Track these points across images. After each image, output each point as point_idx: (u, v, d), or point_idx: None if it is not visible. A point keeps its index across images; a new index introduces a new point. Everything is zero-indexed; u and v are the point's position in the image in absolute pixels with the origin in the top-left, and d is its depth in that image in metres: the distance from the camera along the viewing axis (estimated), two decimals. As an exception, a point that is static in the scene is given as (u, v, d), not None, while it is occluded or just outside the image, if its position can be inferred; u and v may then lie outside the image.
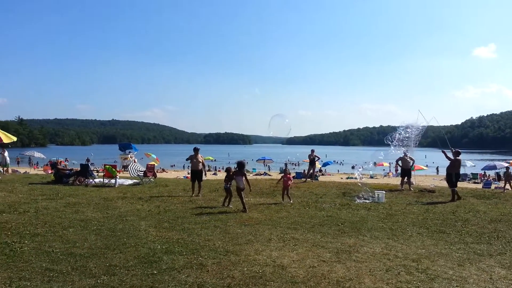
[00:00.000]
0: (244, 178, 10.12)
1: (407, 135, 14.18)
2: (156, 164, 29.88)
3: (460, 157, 13.54)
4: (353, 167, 57.37)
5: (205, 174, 13.86)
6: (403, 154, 16.34)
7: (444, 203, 12.14)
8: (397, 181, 23.09)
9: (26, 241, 6.25)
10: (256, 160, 52.79)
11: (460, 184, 26.15)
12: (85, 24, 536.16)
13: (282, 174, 12.34)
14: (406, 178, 15.94)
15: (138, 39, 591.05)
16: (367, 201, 12.44)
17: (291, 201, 11.65)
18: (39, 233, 6.87)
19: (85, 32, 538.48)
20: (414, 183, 19.34)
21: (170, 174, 35.94)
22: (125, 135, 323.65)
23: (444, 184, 23.95)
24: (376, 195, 12.67)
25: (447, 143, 14.72)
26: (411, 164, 16.71)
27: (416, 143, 14.55)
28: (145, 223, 8.00)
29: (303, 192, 14.23)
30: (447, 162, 13.52)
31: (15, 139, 20.52)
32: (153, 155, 42.40)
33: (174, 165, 55.27)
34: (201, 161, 13.22)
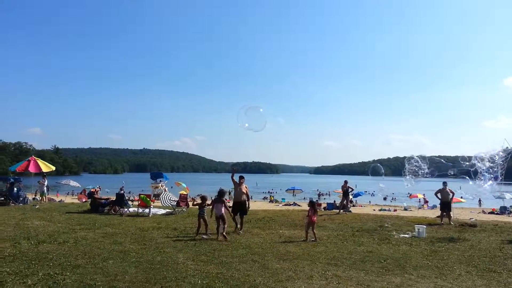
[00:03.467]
0: (223, 206, 10.28)
1: (492, 164, 12.02)
2: (187, 193, 30.06)
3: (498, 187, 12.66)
4: (385, 198, 55.89)
5: (248, 207, 11.99)
6: (443, 186, 15.81)
7: (488, 238, 11.52)
8: (433, 213, 22.29)
9: (68, 273, 6.29)
10: (285, 190, 52.23)
11: (499, 218, 25.04)
12: (117, 60, 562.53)
13: (309, 208, 10.82)
14: (445, 211, 15.32)
15: (168, 74, 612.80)
16: (407, 236, 11.96)
17: (316, 240, 10.44)
18: (80, 264, 6.92)
19: (117, 67, 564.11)
20: (452, 216, 18.56)
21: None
22: (155, 163, 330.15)
23: (484, 217, 22.85)
24: (416, 230, 12.17)
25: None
26: (450, 197, 16.08)
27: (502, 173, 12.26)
28: (182, 255, 7.95)
29: (338, 224, 13.88)
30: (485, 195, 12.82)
31: (53, 168, 21.27)
32: (183, 184, 42.68)
33: (200, 195, 55.41)
34: (245, 191, 11.74)
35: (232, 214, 11.65)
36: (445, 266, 7.76)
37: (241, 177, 11.98)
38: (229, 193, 30.63)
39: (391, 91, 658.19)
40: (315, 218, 10.71)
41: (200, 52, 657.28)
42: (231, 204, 12.45)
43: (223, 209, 10.26)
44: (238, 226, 11.58)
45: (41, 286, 5.61)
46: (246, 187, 11.90)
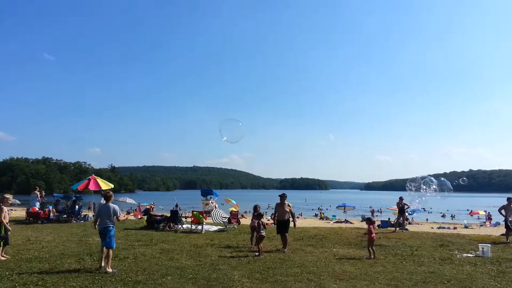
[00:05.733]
0: (256, 220, 11.10)
1: None
2: (237, 210, 30.28)
3: None
4: (443, 216, 53.08)
5: (294, 225, 11.81)
6: (507, 202, 14.82)
7: None
8: (496, 231, 20.84)
9: (130, 288, 6.52)
10: (336, 207, 51.16)
11: None
12: (167, 81, 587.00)
13: (368, 225, 10.83)
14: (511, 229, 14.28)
15: (217, 92, 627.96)
16: (471, 255, 11.25)
17: (373, 258, 10.22)
18: (140, 280, 7.15)
19: (166, 88, 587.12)
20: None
21: (250, 220, 36.12)
22: (204, 180, 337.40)
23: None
24: (481, 249, 11.42)
25: None
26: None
27: None
28: (237, 273, 7.98)
29: (395, 243, 13.34)
30: None
31: (112, 186, 22.27)
32: (233, 201, 43.11)
33: (249, 211, 55.53)
34: (288, 210, 11.51)
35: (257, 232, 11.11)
36: (517, 290, 7.21)
37: (283, 196, 11.73)
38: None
39: (449, 102, 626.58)
40: (374, 235, 10.56)
41: (246, 72, 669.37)
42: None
43: (255, 222, 11.10)
44: (282, 246, 11.32)
45: (106, 301, 5.85)
46: (289, 205, 11.65)
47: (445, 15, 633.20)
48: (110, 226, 8.07)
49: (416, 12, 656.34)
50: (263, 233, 10.62)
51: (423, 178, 15.21)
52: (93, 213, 23.39)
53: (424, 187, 14.88)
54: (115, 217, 8.17)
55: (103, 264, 7.96)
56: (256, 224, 10.95)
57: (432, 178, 15.13)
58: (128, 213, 35.90)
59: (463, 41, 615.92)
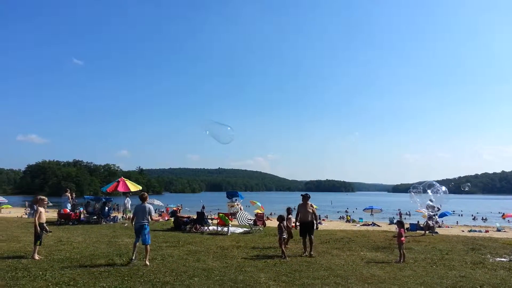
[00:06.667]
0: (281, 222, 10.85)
1: None
2: (262, 212, 30.30)
3: None
4: (474, 218, 51.45)
5: (317, 227, 11.48)
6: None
7: None
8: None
9: (158, 289, 6.61)
10: (363, 209, 50.26)
11: None
12: (191, 84, 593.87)
13: (399, 228, 10.68)
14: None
15: (242, 95, 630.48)
16: (504, 259, 10.84)
17: (402, 260, 10.08)
18: (168, 281, 7.24)
19: (195, 91, 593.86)
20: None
21: (275, 222, 36.03)
22: (230, 182, 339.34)
23: None
24: (516, 253, 11.01)
25: None
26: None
27: None
28: (264, 275, 7.97)
29: (425, 247, 13.00)
30: None
31: (140, 187, 22.71)
32: (258, 203, 43.13)
33: (274, 213, 55.33)
34: (311, 211, 11.19)
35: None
36: (556, 297, 6.89)
37: (306, 197, 11.42)
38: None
39: (482, 98, 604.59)
40: (403, 238, 10.39)
41: (270, 74, 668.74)
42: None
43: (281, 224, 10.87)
44: (307, 249, 10.93)
45: (135, 301, 5.95)
46: (312, 205, 11.36)
47: (476, 13, 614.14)
48: (145, 224, 8.96)
49: (447, 8, 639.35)
50: (285, 235, 10.71)
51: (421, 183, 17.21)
52: (122, 215, 23.85)
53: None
54: (149, 216, 9.04)
55: (133, 258, 8.90)
56: (277, 226, 10.92)
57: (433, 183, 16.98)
58: (160, 215, 36.54)
59: (493, 37, 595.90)
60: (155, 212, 51.05)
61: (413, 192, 17.30)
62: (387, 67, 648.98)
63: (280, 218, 11.09)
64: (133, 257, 8.96)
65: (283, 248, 10.44)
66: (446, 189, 16.94)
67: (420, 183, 17.25)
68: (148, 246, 9.00)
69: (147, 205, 9.11)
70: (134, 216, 9.17)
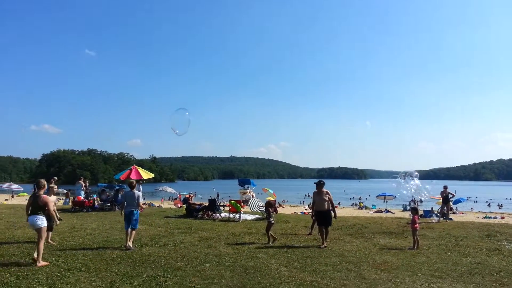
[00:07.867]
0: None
1: None
2: (274, 199, 30.33)
3: None
4: (489, 205, 50.75)
5: (335, 215, 10.57)
6: None
7: None
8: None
9: (169, 275, 6.61)
10: (376, 196, 49.93)
11: None
12: (206, 74, 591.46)
13: (414, 215, 10.54)
14: None
15: (254, 84, 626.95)
16: (521, 246, 10.60)
17: (415, 247, 9.91)
18: (179, 267, 7.25)
19: (208, 81, 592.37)
20: None
21: (287, 209, 36.02)
22: (242, 170, 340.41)
23: None
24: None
25: None
26: None
27: None
28: (275, 261, 7.93)
29: (439, 233, 12.80)
30: None
31: (153, 175, 22.85)
32: (270, 190, 43.18)
33: (286, 200, 55.40)
34: (327, 199, 10.26)
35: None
36: None
37: (320, 184, 10.52)
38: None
39: (497, 84, 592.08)
40: (417, 225, 10.26)
41: (284, 63, 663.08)
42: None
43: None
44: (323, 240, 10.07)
45: (146, 287, 5.96)
46: (327, 192, 10.43)
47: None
48: (134, 210, 9.32)
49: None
50: (273, 220, 10.73)
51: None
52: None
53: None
54: (137, 203, 9.41)
55: (127, 244, 9.02)
56: (265, 210, 11.16)
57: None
58: (175, 199, 36.75)
59: (510, 23, 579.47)
60: (162, 198, 51.55)
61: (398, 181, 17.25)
62: (405, 52, 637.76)
63: (268, 204, 11.26)
64: (127, 244, 9.10)
65: (270, 233, 10.42)
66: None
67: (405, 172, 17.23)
68: (134, 231, 9.35)
69: (136, 192, 9.49)
70: (124, 203, 9.56)
